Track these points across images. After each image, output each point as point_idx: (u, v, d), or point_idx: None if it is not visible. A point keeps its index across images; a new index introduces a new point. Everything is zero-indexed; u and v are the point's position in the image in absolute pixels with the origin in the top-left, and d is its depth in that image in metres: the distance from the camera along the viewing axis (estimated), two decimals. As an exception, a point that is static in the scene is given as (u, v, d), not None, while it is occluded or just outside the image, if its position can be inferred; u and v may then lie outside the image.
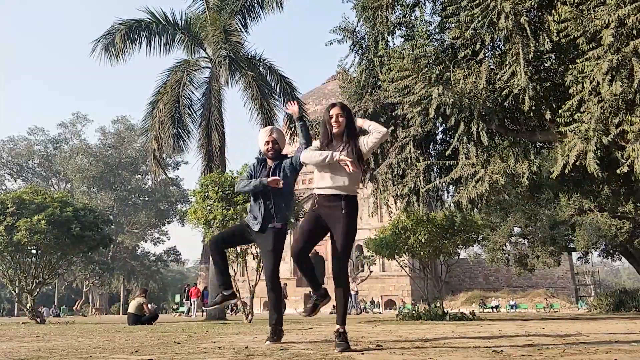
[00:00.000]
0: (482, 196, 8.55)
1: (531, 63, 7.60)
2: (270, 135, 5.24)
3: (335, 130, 4.32)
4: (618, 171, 7.09)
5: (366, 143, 4.32)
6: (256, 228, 5.07)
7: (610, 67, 6.39)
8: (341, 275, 4.31)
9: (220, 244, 5.21)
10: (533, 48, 7.41)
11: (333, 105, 4.44)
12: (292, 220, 14.67)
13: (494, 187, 8.31)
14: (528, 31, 7.28)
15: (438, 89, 7.90)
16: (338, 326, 4.22)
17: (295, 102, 5.23)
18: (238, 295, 5.26)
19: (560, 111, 7.44)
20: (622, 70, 6.48)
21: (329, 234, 4.41)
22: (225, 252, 5.36)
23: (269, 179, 4.95)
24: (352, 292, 31.42)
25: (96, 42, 20.27)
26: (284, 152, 5.40)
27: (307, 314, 4.88)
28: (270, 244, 5.05)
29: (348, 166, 4.11)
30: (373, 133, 4.31)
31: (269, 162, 5.23)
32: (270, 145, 5.22)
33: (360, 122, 4.50)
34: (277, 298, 5.15)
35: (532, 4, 7.54)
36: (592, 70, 6.62)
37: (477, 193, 8.38)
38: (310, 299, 4.84)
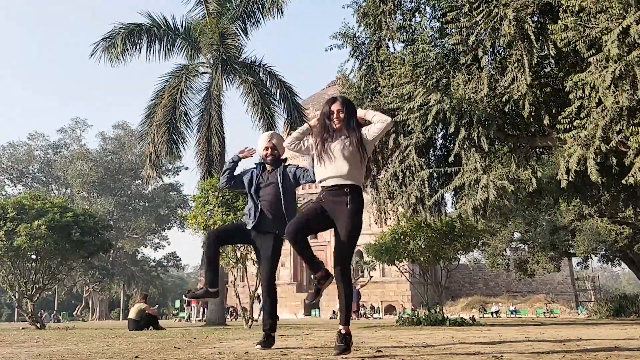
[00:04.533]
0: (486, 203, 8.54)
1: (532, 69, 7.62)
2: (269, 140, 5.26)
3: (336, 126, 4.29)
4: (623, 181, 7.09)
5: (369, 132, 4.27)
6: (250, 226, 5.11)
7: (613, 77, 6.39)
8: (343, 273, 4.16)
9: (217, 240, 5.18)
10: (536, 54, 7.43)
11: (334, 99, 4.39)
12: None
13: (499, 193, 8.30)
14: (532, 37, 7.30)
15: (436, 96, 7.92)
16: (341, 327, 4.10)
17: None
18: (219, 293, 5.23)
19: (560, 117, 7.45)
20: (625, 81, 6.49)
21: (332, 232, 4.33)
22: (219, 250, 5.35)
23: (237, 152, 5.14)
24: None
25: (97, 45, 20.33)
26: (283, 157, 5.43)
27: (311, 299, 4.50)
28: (269, 249, 5.07)
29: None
30: (377, 123, 4.25)
31: (268, 167, 5.27)
32: (269, 150, 5.25)
33: (362, 112, 4.41)
34: (272, 304, 5.15)
35: (534, 9, 7.55)
36: (596, 80, 6.61)
37: (482, 200, 8.38)
38: (313, 283, 4.46)
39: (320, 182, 4.33)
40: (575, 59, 7.67)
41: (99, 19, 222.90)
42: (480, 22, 7.67)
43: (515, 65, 7.53)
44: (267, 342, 4.94)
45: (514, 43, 7.51)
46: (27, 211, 16.99)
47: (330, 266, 4.23)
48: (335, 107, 4.32)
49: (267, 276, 5.10)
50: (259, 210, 5.10)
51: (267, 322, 5.05)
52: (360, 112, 4.43)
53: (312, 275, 4.35)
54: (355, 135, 4.23)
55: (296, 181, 5.30)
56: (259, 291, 6.20)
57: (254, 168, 5.36)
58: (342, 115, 4.28)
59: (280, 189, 5.12)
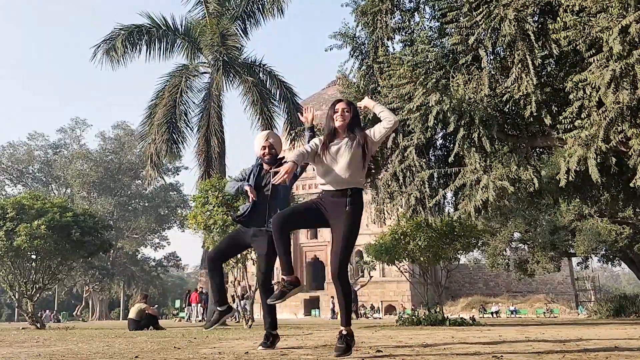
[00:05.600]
0: (486, 203, 8.53)
1: (535, 69, 7.61)
2: (266, 139, 5.23)
3: (338, 123, 4.28)
4: (631, 184, 7.10)
5: (374, 133, 4.27)
6: (250, 232, 5.09)
7: (613, 76, 6.39)
8: (340, 274, 4.11)
9: (218, 261, 5.20)
10: (538, 54, 7.42)
11: (339, 100, 4.42)
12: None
13: (500, 193, 8.29)
14: (533, 37, 7.30)
15: (436, 96, 7.91)
16: (342, 327, 4.08)
17: (308, 109, 5.14)
18: (234, 306, 5.27)
19: (561, 118, 7.45)
20: (625, 79, 6.48)
21: (329, 233, 4.30)
22: (223, 268, 5.35)
23: (247, 187, 4.98)
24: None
25: (97, 47, 20.34)
26: (280, 156, 5.40)
27: (273, 300, 4.40)
28: (264, 247, 5.05)
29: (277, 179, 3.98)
30: (383, 122, 4.26)
31: (266, 166, 5.24)
32: (266, 149, 5.22)
33: (370, 103, 4.51)
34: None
35: (535, 10, 7.56)
36: (597, 79, 6.61)
37: (482, 200, 8.37)
38: (279, 284, 4.41)
39: (321, 184, 4.33)
40: (575, 58, 7.67)
41: (99, 19, 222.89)
42: (480, 23, 7.67)
43: (519, 65, 7.52)
44: (269, 341, 4.94)
45: (515, 43, 7.51)
46: (27, 211, 16.97)
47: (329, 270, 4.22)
48: (340, 105, 4.35)
49: (262, 275, 5.10)
50: (260, 213, 5.09)
51: (266, 320, 5.05)
52: (368, 103, 4.54)
53: (280, 276, 4.35)
54: (358, 138, 4.23)
55: (299, 174, 5.28)
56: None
57: (254, 165, 5.33)
58: (346, 113, 4.30)
59: (277, 190, 5.11)
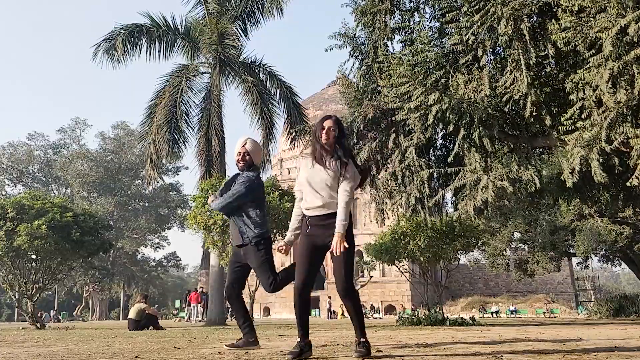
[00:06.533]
0: (486, 203, 8.52)
1: (532, 69, 7.61)
2: (242, 146, 5.19)
3: (323, 141, 4.25)
4: (628, 183, 7.10)
5: (340, 185, 4.16)
6: (240, 251, 5.07)
7: (611, 75, 6.39)
8: (346, 291, 4.11)
9: (235, 295, 5.13)
10: (534, 54, 7.42)
11: (328, 117, 4.38)
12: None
13: (499, 193, 8.28)
14: (527, 37, 7.29)
15: (435, 95, 7.89)
16: (358, 338, 4.14)
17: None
18: (257, 342, 5.08)
19: (562, 119, 7.44)
20: (623, 78, 6.48)
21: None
22: (243, 300, 5.24)
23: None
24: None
25: (97, 46, 20.35)
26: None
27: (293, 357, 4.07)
28: (254, 260, 5.00)
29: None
30: (342, 193, 4.13)
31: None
32: (240, 156, 5.16)
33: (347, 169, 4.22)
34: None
35: (533, 9, 7.55)
36: (594, 77, 6.60)
37: (482, 200, 8.36)
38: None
39: (306, 209, 4.28)
40: (575, 59, 7.66)
41: (99, 19, 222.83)
42: (477, 21, 7.67)
43: (514, 64, 7.53)
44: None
45: (512, 42, 7.51)
46: (27, 211, 16.97)
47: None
48: (327, 123, 4.30)
49: (267, 286, 5.00)
50: (230, 224, 5.10)
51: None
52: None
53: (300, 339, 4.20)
54: (338, 167, 4.18)
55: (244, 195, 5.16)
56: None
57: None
58: (332, 132, 4.27)
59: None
